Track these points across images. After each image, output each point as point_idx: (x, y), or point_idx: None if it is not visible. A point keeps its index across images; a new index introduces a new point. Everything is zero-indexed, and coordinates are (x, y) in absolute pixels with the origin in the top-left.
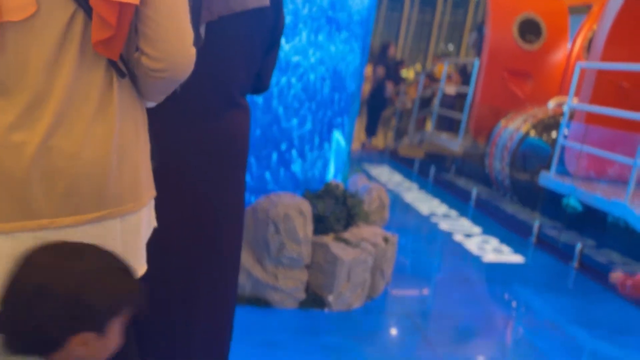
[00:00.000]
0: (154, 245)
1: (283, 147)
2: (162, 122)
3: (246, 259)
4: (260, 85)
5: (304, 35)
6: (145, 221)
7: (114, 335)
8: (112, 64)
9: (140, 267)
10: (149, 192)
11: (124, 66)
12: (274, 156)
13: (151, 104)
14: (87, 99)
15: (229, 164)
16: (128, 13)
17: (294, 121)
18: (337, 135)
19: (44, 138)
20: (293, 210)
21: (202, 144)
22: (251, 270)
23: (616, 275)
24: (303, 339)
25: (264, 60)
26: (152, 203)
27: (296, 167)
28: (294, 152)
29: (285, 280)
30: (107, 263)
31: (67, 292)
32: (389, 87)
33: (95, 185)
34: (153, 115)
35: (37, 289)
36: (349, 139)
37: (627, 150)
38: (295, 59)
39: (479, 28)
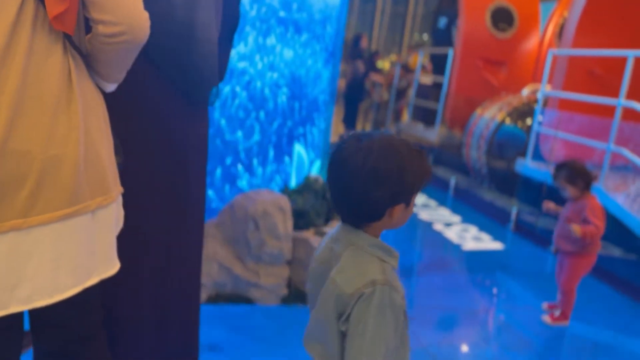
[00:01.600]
0: (121, 243)
1: (228, 161)
2: (119, 119)
3: (226, 256)
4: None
5: (251, 39)
6: (115, 218)
7: (412, 207)
8: (69, 40)
9: (113, 265)
10: (117, 187)
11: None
12: (218, 172)
13: (111, 87)
14: (46, 90)
15: (189, 161)
16: None
17: (239, 133)
18: (298, 148)
19: (3, 137)
20: (272, 206)
21: (156, 141)
22: (232, 268)
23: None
24: (286, 335)
25: (223, 50)
26: (120, 200)
27: (243, 182)
28: (240, 167)
29: (267, 277)
30: (411, 146)
31: (395, 173)
32: (373, 77)
33: (63, 182)
34: (110, 112)
35: (373, 173)
36: (327, 132)
37: (601, 135)
38: (241, 65)
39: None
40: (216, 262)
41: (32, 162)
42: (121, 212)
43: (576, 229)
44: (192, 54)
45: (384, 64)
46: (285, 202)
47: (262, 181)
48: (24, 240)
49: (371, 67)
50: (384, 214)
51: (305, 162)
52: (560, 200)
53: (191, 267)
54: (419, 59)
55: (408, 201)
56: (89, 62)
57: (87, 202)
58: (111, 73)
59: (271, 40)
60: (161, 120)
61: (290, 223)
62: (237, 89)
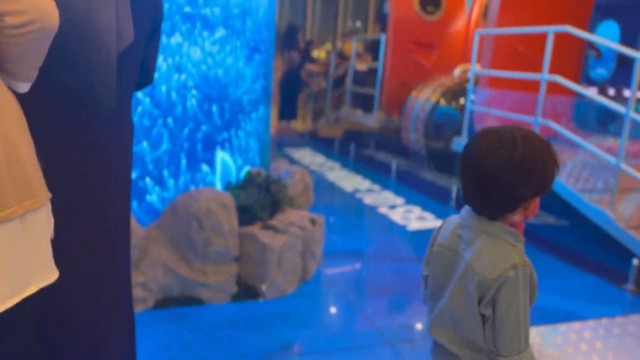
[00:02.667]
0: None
1: (134, 175)
2: (33, 124)
3: (171, 258)
4: (145, 77)
5: None
6: (47, 222)
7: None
8: None
9: (52, 272)
10: (45, 191)
11: None
12: None
13: (24, 88)
14: None
15: (110, 168)
16: None
17: (145, 143)
18: (222, 155)
19: None
20: (215, 203)
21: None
22: (178, 270)
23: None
24: (239, 331)
25: (148, 48)
26: (49, 207)
27: (153, 197)
28: (148, 180)
29: (215, 276)
30: (542, 139)
31: (539, 168)
32: (309, 67)
33: None
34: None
35: (520, 169)
36: (267, 126)
37: (530, 110)
38: None
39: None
40: (161, 265)
41: None
42: (51, 219)
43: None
44: (87, 59)
45: (319, 53)
46: (228, 198)
47: (175, 194)
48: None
49: (307, 57)
50: (522, 206)
51: (232, 169)
52: None
53: (116, 280)
54: (353, 46)
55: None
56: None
57: (14, 207)
58: (23, 70)
59: (176, 39)
60: (77, 125)
61: (235, 219)
62: (140, 95)
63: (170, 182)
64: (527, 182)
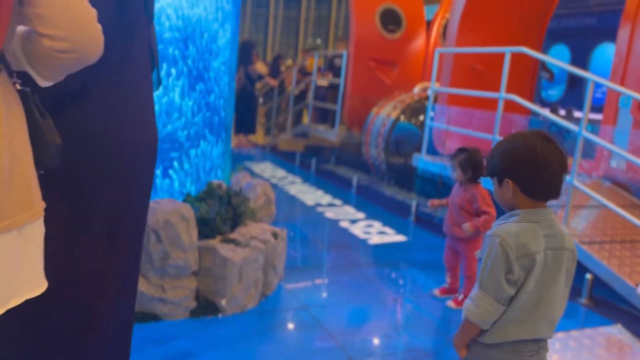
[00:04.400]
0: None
1: None
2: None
3: None
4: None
5: None
6: (41, 233)
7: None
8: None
9: (40, 284)
10: (41, 202)
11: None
12: None
13: (46, 84)
14: None
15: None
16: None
17: None
18: None
19: None
20: (174, 215)
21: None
22: None
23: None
24: (198, 348)
25: (145, 28)
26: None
27: None
28: None
29: (173, 291)
30: (546, 135)
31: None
32: (268, 80)
33: None
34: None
35: (539, 159)
36: (228, 138)
37: (488, 127)
38: None
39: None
40: None
41: None
42: (43, 230)
43: (469, 227)
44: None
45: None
46: (188, 210)
47: None
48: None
49: (276, 71)
50: None
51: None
52: (450, 191)
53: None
54: (315, 62)
55: None
56: (29, 61)
57: (14, 217)
58: (51, 76)
59: None
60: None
61: (194, 232)
62: None
63: None
64: None
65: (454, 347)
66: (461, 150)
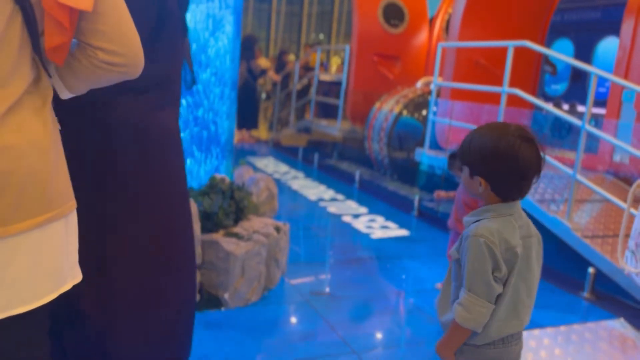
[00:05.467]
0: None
1: None
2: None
3: None
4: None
5: None
6: (76, 224)
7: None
8: (42, 64)
9: (79, 272)
10: (73, 192)
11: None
12: None
13: (68, 95)
14: (18, 96)
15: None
16: (76, 18)
17: None
18: None
19: None
20: None
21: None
22: None
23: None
24: (201, 342)
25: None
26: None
27: None
28: None
29: None
30: (527, 134)
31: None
32: (271, 75)
33: (40, 186)
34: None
35: (518, 166)
36: (231, 132)
37: (489, 121)
38: None
39: None
40: None
41: (14, 164)
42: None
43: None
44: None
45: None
46: (191, 204)
47: None
48: (2, 249)
49: (281, 66)
50: None
51: None
52: (454, 185)
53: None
54: (317, 57)
55: None
56: (60, 73)
57: (62, 207)
58: (81, 87)
59: None
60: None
61: (197, 226)
62: None
63: None
64: None
65: (441, 356)
66: (452, 155)
